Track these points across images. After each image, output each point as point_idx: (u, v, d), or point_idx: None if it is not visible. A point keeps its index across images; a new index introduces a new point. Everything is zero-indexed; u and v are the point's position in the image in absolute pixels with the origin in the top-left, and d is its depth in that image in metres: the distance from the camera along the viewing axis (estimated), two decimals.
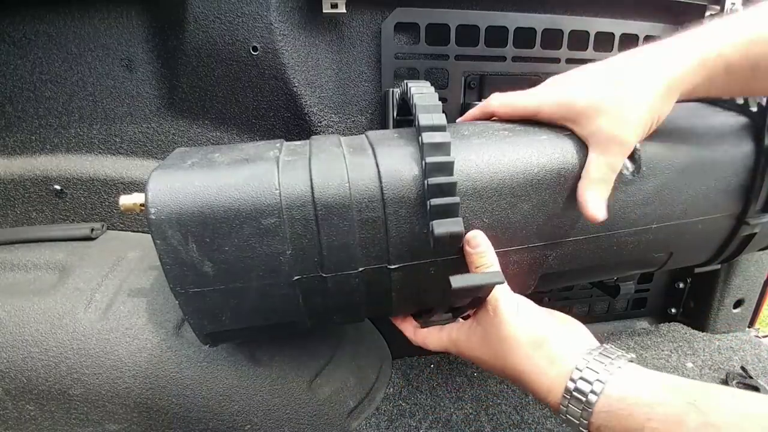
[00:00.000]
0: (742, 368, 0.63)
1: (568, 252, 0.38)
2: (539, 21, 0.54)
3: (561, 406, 0.29)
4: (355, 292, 0.36)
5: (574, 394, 0.28)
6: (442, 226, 0.31)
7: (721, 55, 0.31)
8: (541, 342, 0.30)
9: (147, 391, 0.43)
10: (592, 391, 0.27)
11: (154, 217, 0.31)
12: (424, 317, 0.40)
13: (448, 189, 0.31)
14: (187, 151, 0.37)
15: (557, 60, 0.56)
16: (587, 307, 0.72)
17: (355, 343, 0.58)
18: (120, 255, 0.50)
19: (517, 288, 0.36)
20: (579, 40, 0.56)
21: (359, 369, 0.57)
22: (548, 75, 0.38)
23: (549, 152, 0.35)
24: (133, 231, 0.56)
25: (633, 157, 0.37)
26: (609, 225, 0.38)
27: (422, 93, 0.35)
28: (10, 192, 0.54)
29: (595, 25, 0.55)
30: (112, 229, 0.56)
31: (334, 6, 0.49)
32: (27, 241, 0.52)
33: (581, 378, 0.28)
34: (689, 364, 0.65)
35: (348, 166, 0.34)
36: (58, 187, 0.54)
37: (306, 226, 0.32)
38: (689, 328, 0.74)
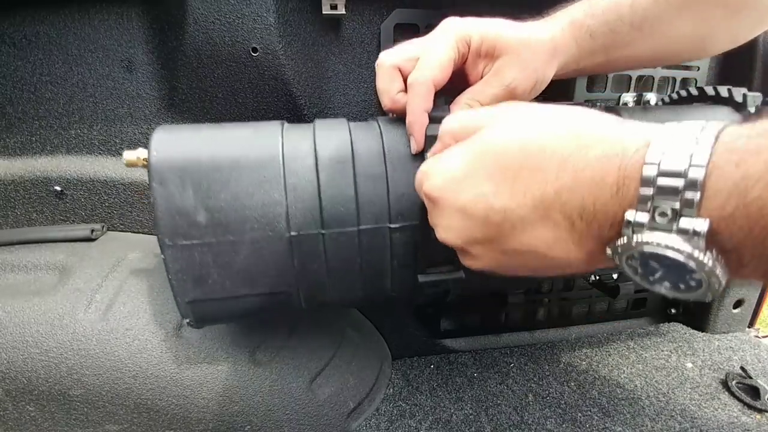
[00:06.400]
0: (742, 368, 0.63)
1: None
2: None
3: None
4: (354, 257, 0.34)
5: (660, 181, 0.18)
6: None
7: (586, 18, 0.35)
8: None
9: (147, 391, 0.43)
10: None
11: (154, 159, 0.31)
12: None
13: None
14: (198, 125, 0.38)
15: None
16: (587, 307, 0.72)
17: (355, 343, 0.58)
18: (120, 256, 0.50)
19: None
20: None
21: (359, 369, 0.57)
22: None
23: None
24: (134, 232, 0.56)
25: None
26: None
27: None
28: (11, 193, 0.54)
29: None
30: (113, 230, 0.56)
31: (334, 7, 0.49)
32: (27, 242, 0.52)
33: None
34: (689, 364, 0.65)
35: (351, 128, 0.35)
36: (58, 188, 0.54)
37: (306, 176, 0.32)
38: (689, 328, 0.74)
